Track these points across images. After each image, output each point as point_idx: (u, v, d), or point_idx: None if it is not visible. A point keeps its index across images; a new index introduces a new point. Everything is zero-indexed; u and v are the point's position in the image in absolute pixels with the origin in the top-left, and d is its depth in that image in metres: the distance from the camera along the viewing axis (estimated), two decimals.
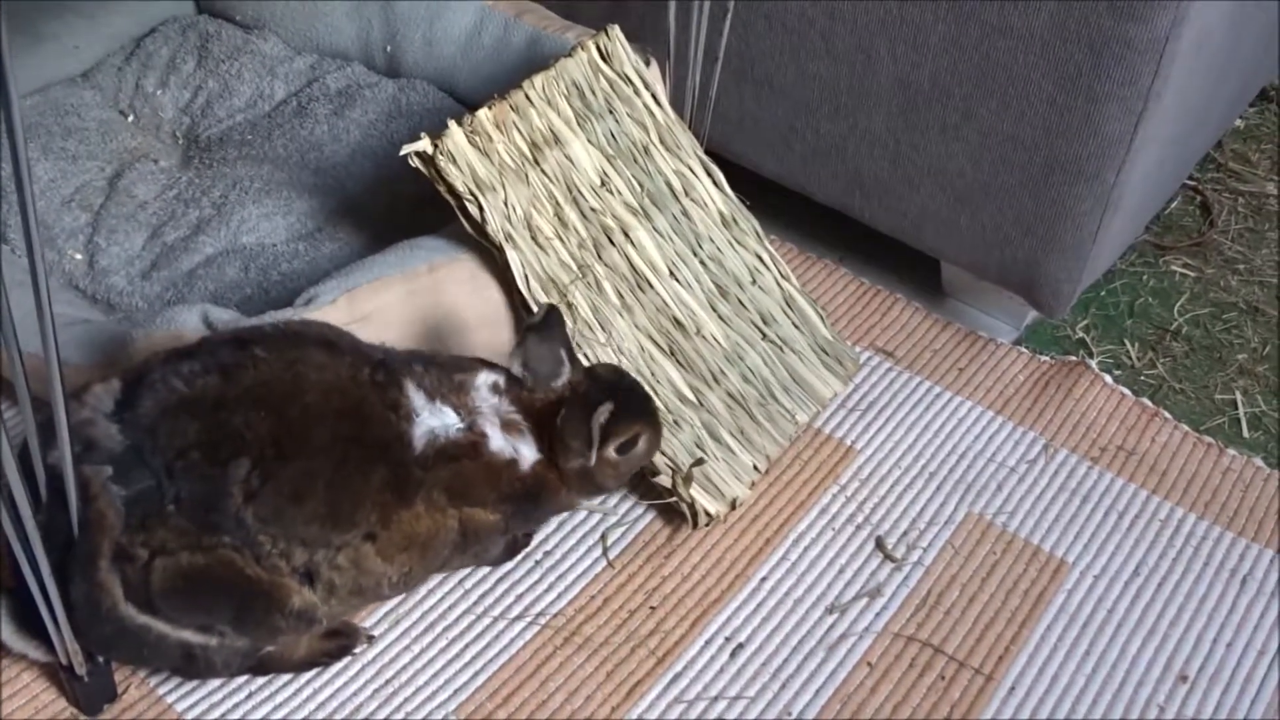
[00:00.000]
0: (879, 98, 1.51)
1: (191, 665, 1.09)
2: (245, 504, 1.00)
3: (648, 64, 1.49)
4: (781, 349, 1.45)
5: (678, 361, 1.37)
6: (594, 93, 1.43)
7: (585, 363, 1.28)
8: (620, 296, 1.36)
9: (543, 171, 1.35)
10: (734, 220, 1.49)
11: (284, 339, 1.09)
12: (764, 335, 1.44)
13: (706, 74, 1.50)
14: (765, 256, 1.49)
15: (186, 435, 1.01)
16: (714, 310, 1.42)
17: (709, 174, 1.49)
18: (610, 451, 1.15)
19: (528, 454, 1.13)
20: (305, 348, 1.08)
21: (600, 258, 1.36)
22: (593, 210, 1.38)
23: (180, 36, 1.85)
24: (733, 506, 1.34)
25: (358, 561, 1.07)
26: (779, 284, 1.49)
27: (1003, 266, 1.53)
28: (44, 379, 0.92)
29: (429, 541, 1.10)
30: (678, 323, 1.39)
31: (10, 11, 0.73)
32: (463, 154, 1.29)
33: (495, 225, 1.28)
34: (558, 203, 1.35)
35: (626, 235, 1.39)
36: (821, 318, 1.50)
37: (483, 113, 1.32)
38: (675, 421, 1.34)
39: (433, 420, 1.09)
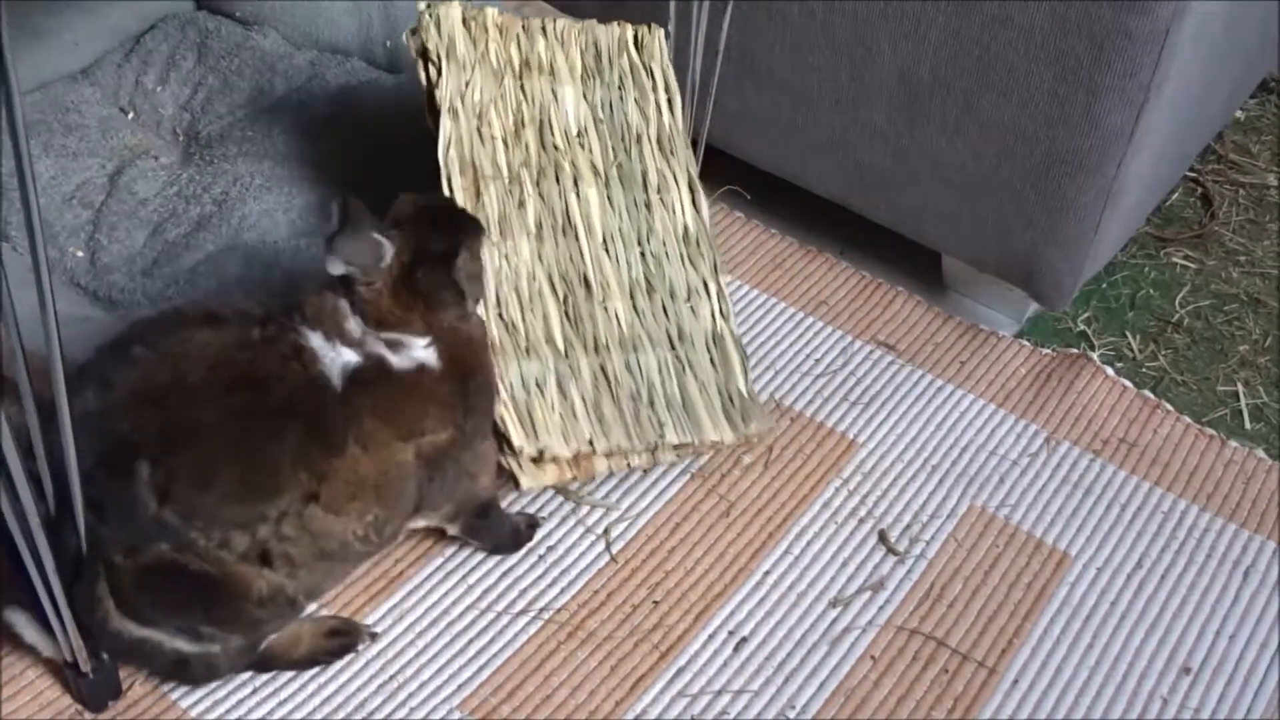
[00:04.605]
0: (880, 91, 1.51)
1: (188, 671, 1.10)
2: (162, 506, 0.98)
3: None
4: (685, 369, 1.31)
5: (564, 313, 1.26)
6: (610, 64, 1.36)
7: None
8: (538, 225, 1.26)
9: (521, 87, 1.28)
10: (696, 241, 1.38)
11: (162, 327, 1.05)
12: (673, 347, 1.31)
13: (707, 67, 1.50)
14: (713, 289, 1.37)
15: (88, 455, 0.97)
16: (631, 298, 1.31)
17: (691, 190, 1.40)
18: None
19: (424, 354, 1.08)
20: (185, 330, 1.04)
21: (538, 185, 1.27)
22: (554, 147, 1.29)
23: (180, 33, 1.84)
24: (539, 457, 1.21)
25: (306, 526, 1.02)
26: (714, 318, 1.36)
27: (1004, 259, 1.53)
28: (47, 377, 0.91)
29: (381, 482, 1.06)
30: (586, 282, 1.28)
31: (9, 8, 0.73)
32: (450, 24, 1.24)
33: (444, 93, 1.21)
34: (522, 119, 1.28)
35: (576, 184, 1.30)
36: (745, 373, 1.36)
37: (491, 10, 1.26)
38: (528, 350, 1.23)
39: (337, 355, 1.05)
